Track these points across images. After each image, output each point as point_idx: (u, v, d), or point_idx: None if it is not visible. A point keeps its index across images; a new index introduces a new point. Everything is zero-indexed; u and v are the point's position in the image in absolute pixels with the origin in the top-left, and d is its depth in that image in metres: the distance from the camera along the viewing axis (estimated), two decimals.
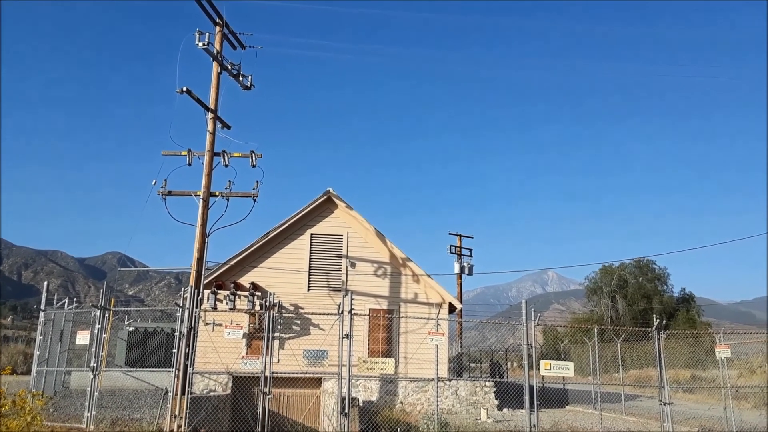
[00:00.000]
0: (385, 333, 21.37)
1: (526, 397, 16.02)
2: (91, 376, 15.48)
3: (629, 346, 32.27)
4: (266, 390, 16.75)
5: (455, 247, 38.03)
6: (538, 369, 17.49)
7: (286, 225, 21.85)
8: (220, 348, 19.41)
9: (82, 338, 17.18)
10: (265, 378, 16.73)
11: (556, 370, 17.66)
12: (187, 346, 16.00)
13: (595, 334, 20.44)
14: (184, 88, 17.09)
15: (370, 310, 21.29)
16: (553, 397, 24.45)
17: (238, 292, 20.78)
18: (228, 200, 18.16)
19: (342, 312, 16.86)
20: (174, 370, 15.88)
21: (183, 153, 18.19)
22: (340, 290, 21.08)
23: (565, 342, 37.39)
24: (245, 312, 20.61)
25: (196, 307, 16.50)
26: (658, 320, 18.65)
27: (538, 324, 17.99)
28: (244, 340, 20.27)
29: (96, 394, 15.49)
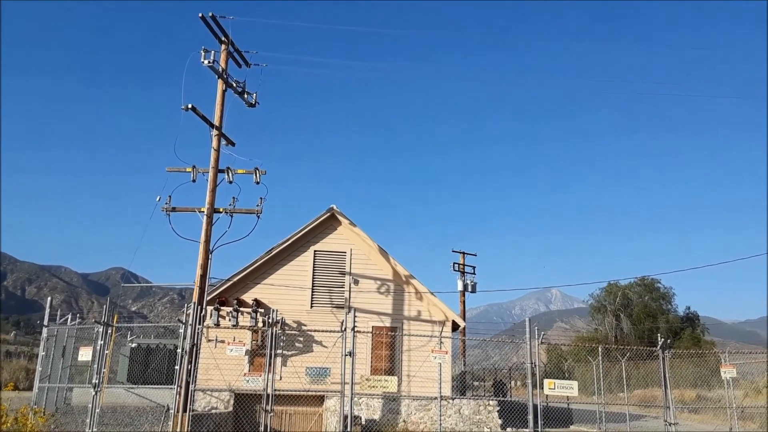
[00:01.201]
0: (388, 351, 21.27)
1: (530, 417, 15.92)
2: (93, 393, 15.43)
3: (634, 365, 32.00)
4: (268, 407, 16.68)
5: (458, 264, 37.93)
6: (542, 388, 17.39)
7: (290, 241, 21.86)
8: (223, 365, 19.34)
9: (85, 354, 17.15)
10: (268, 395, 16.66)
11: (560, 389, 17.56)
12: (190, 362, 15.96)
13: (600, 353, 20.31)
14: (189, 105, 17.24)
15: (373, 327, 21.22)
16: (558, 417, 24.23)
17: (241, 309, 20.74)
18: (232, 217, 18.24)
19: (345, 329, 16.83)
20: (176, 387, 15.84)
21: (187, 169, 18.29)
22: (343, 307, 21.02)
23: (569, 361, 37.16)
24: (248, 329, 20.55)
25: (199, 324, 16.48)
26: (663, 339, 18.55)
27: (541, 342, 17.92)
28: (247, 356, 20.20)
29: (97, 410, 15.44)
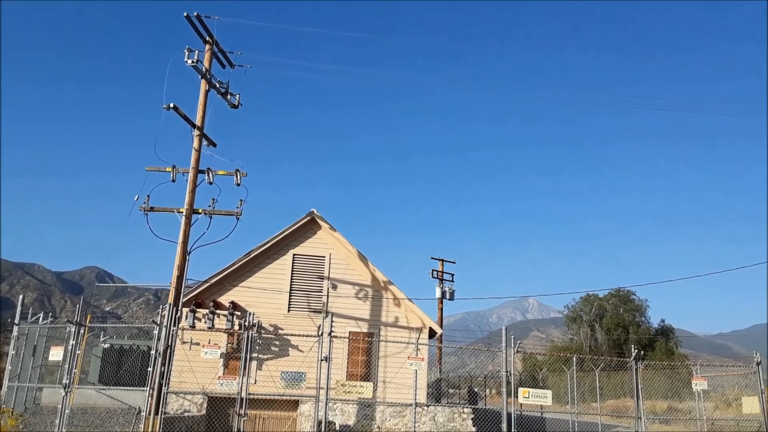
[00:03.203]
0: (365, 356, 21.24)
1: (504, 425, 16.01)
2: (63, 393, 15.19)
3: (607, 375, 32.30)
4: (242, 411, 16.55)
5: (437, 271, 38.07)
6: (517, 396, 17.49)
7: (269, 245, 21.76)
8: (197, 367, 19.16)
9: (56, 354, 16.89)
10: (241, 399, 16.54)
11: (535, 398, 17.69)
12: (163, 364, 15.80)
13: (574, 363, 20.49)
14: (171, 105, 17.14)
15: (350, 332, 21.17)
16: (531, 426, 24.35)
17: (218, 311, 20.59)
18: (211, 218, 18.13)
19: (322, 334, 16.79)
20: (148, 389, 15.66)
21: (167, 169, 18.15)
22: (320, 312, 20.96)
23: (544, 370, 37.39)
24: (224, 331, 20.40)
25: (174, 326, 16.33)
26: (636, 351, 18.77)
27: (517, 351, 18.04)
28: (222, 360, 20.03)
29: (67, 411, 15.21)
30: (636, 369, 18.47)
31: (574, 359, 20.59)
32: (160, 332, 15.95)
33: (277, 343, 20.76)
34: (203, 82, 18.48)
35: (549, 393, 17.68)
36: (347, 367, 20.98)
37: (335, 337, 17.37)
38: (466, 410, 20.31)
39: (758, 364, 19.59)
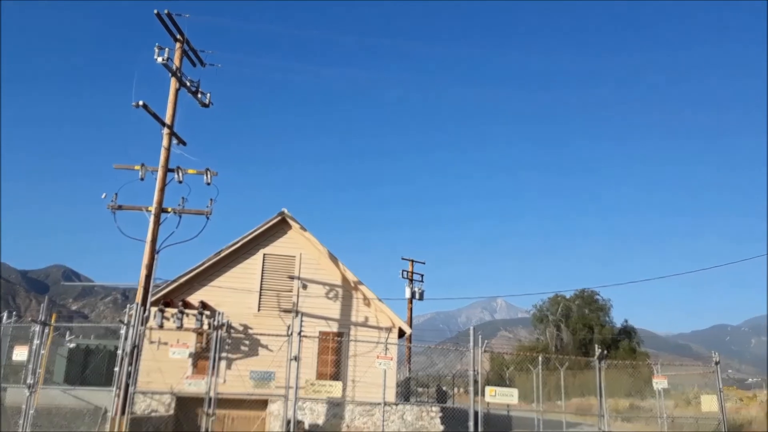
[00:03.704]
0: (335, 356, 21.33)
1: (471, 423, 16.26)
2: (27, 394, 14.97)
3: (572, 374, 32.99)
4: (210, 411, 16.50)
5: (407, 272, 38.32)
6: (484, 395, 17.77)
7: (239, 244, 21.71)
8: (165, 367, 19.03)
9: (20, 354, 16.61)
10: (210, 399, 16.49)
11: (501, 397, 17.98)
12: (130, 364, 15.66)
13: (540, 362, 20.89)
14: (141, 102, 16.98)
15: (320, 332, 21.24)
16: (498, 424, 24.76)
17: (187, 311, 20.46)
18: (180, 217, 18.00)
19: (291, 333, 16.84)
20: (115, 389, 15.52)
21: (136, 167, 17.98)
22: (290, 311, 20.99)
23: (511, 369, 37.90)
24: (193, 331, 20.29)
25: (142, 325, 16.20)
26: (599, 350, 19.22)
27: (485, 351, 18.33)
28: (190, 359, 19.92)
29: (32, 412, 14.99)
30: (599, 368, 18.93)
31: (540, 358, 21.00)
32: (127, 332, 15.80)
33: (247, 342, 20.73)
34: (173, 80, 18.34)
35: (515, 392, 18.00)
36: (317, 367, 21.05)
37: (305, 336, 17.42)
38: (434, 409, 20.55)
39: (717, 363, 20.21)
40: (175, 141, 18.45)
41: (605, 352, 19.60)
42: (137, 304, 16.50)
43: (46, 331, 16.09)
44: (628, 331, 64.32)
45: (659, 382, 20.28)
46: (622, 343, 60.40)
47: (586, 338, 60.01)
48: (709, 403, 20.02)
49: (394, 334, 22.06)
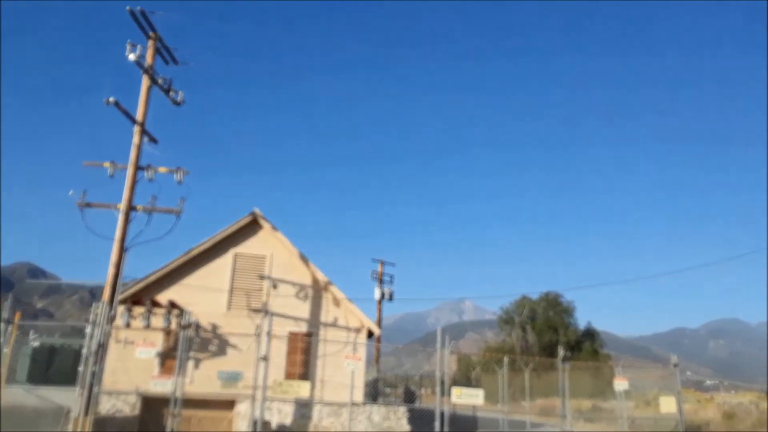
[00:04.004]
0: (304, 356, 21.39)
1: (437, 423, 16.50)
2: None
3: (537, 375, 33.53)
4: (176, 411, 16.45)
5: (377, 273, 38.50)
6: (450, 395, 18.05)
7: (210, 244, 21.62)
8: (131, 367, 18.87)
9: None
10: (176, 399, 16.43)
11: (467, 398, 18.27)
12: (95, 363, 15.53)
13: (505, 364, 21.26)
14: (112, 99, 16.84)
15: (289, 332, 21.28)
16: (463, 424, 25.08)
17: (155, 310, 20.30)
18: (150, 215, 17.86)
19: (260, 333, 16.88)
20: (79, 388, 15.36)
21: (105, 164, 17.81)
22: (260, 311, 20.99)
23: (477, 370, 38.41)
24: (160, 330, 20.15)
25: (108, 324, 16.06)
26: (563, 352, 19.67)
27: (451, 352, 18.63)
28: (157, 359, 19.78)
29: None
30: (562, 369, 19.37)
31: (506, 360, 21.37)
32: (92, 330, 15.66)
33: (216, 342, 20.66)
34: (145, 77, 18.22)
35: (481, 392, 18.30)
36: (286, 367, 21.08)
37: (274, 336, 17.49)
38: (401, 409, 20.76)
39: (675, 366, 20.83)
40: (146, 139, 18.32)
41: (569, 353, 20.07)
42: (103, 302, 16.33)
43: (10, 329, 15.83)
44: (591, 334, 65.51)
45: (620, 384, 20.81)
46: (585, 345, 61.49)
47: (551, 340, 60.96)
48: (667, 405, 20.62)
49: (363, 334, 22.21)
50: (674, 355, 21.30)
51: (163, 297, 20.82)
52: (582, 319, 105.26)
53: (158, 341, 19.88)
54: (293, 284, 22.06)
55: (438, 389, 17.57)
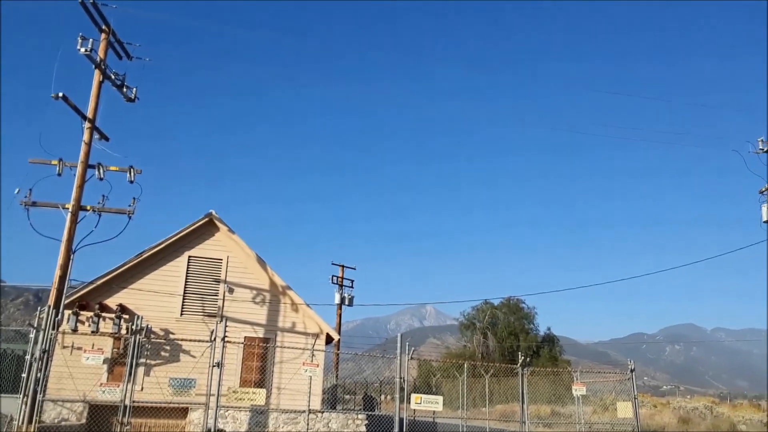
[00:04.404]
0: (260, 362, 20.89)
1: (396, 430, 16.23)
2: None
3: (497, 381, 33.58)
4: (125, 420, 15.82)
5: (337, 277, 38.10)
6: (410, 402, 17.81)
7: (163, 246, 20.94)
8: (78, 373, 18.10)
9: None
10: (125, 407, 15.81)
11: (426, 404, 18.06)
12: (40, 370, 14.84)
13: (465, 370, 21.13)
14: (60, 94, 16.20)
15: (245, 337, 20.76)
16: (423, 430, 24.86)
17: (104, 314, 19.57)
18: (100, 216, 17.22)
19: (215, 339, 16.35)
20: (21, 396, 14.66)
21: (53, 162, 17.09)
22: (215, 316, 20.42)
23: (438, 376, 38.27)
24: (110, 335, 19.40)
25: (53, 329, 15.39)
26: (522, 357, 19.62)
27: (412, 358, 18.38)
28: (105, 365, 19.04)
29: None
30: (522, 375, 19.31)
31: (465, 366, 21.23)
32: (37, 336, 14.99)
33: (168, 348, 19.99)
34: (97, 72, 17.56)
35: (440, 399, 18.12)
36: (241, 373, 20.55)
37: (229, 342, 16.97)
38: (360, 416, 20.43)
39: (632, 371, 20.99)
40: (96, 136, 17.67)
41: (528, 359, 20.04)
42: (49, 306, 15.70)
43: None
44: (551, 339, 66.24)
45: (578, 389, 20.87)
46: (544, 351, 62.12)
47: (511, 346, 61.37)
48: (624, 410, 20.75)
49: (322, 340, 21.82)
50: (631, 360, 21.45)
51: (112, 301, 20.08)
52: (543, 324, 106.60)
53: (107, 347, 19.16)
54: (250, 288, 21.55)
55: (397, 396, 17.31)
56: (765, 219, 20.22)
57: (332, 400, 27.59)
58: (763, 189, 20.66)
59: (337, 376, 31.18)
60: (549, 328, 68.21)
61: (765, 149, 21.06)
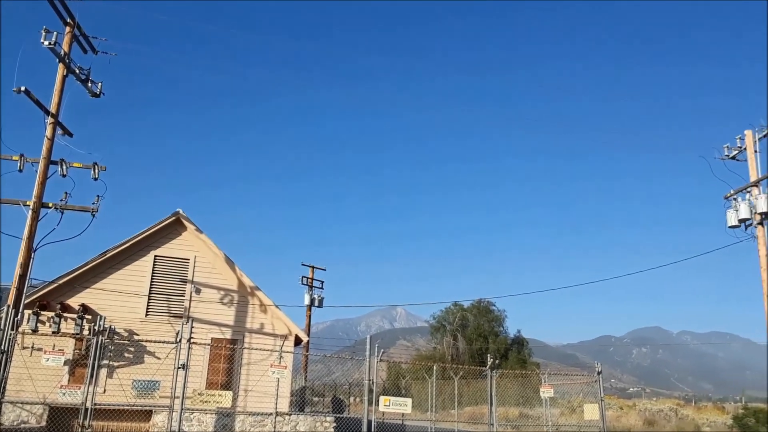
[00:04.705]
0: (227, 364, 20.58)
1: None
2: None
3: (467, 383, 33.66)
4: (86, 423, 15.44)
5: (307, 278, 37.82)
6: (378, 404, 17.72)
7: (128, 245, 20.51)
8: (38, 375, 17.61)
9: None
10: (86, 409, 15.43)
11: (395, 406, 18.00)
12: None
13: (434, 372, 21.10)
14: (23, 88, 15.79)
15: (212, 339, 20.44)
16: None
17: (66, 314, 19.08)
18: (62, 213, 16.80)
19: (180, 340, 16.05)
20: None
21: (14, 158, 16.63)
22: (181, 317, 20.06)
23: (407, 378, 38.25)
24: (71, 336, 18.91)
25: (13, 329, 14.97)
26: (491, 359, 19.66)
27: (381, 360, 18.30)
28: (67, 367, 18.56)
29: None
30: (491, 377, 19.36)
31: (434, 368, 21.21)
32: None
33: (132, 349, 19.57)
34: (61, 66, 17.12)
35: (409, 401, 18.08)
36: (207, 375, 20.22)
37: (195, 343, 16.68)
38: (328, 419, 20.27)
39: (599, 373, 21.20)
40: (60, 131, 17.23)
41: (497, 361, 20.10)
42: (8, 306, 15.29)
43: None
44: (520, 341, 66.79)
45: (546, 392, 21.01)
46: (513, 353, 62.59)
47: (481, 348, 61.70)
48: (591, 412, 20.94)
49: (291, 341, 21.59)
50: (598, 362, 21.67)
51: (75, 301, 19.59)
52: (513, 327, 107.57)
53: (68, 348, 18.70)
54: (218, 289, 21.23)
55: (366, 398, 17.22)
56: (730, 224, 20.57)
57: (300, 402, 27.34)
58: (728, 195, 21.03)
59: (306, 378, 30.93)
60: (519, 331, 68.81)
61: (730, 155, 21.46)
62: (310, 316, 36.54)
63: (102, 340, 16.56)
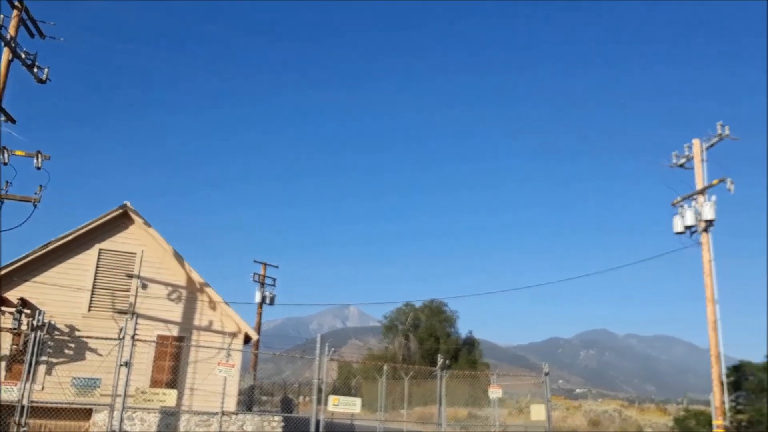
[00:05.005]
0: (173, 361, 20.11)
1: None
2: None
3: (417, 383, 33.80)
4: (23, 421, 14.88)
5: (259, 275, 37.35)
6: (327, 404, 17.61)
7: (72, 237, 19.82)
8: None
9: None
10: (23, 407, 14.85)
11: (344, 406, 17.92)
12: None
13: (384, 372, 21.10)
14: None
15: (158, 336, 19.94)
16: None
17: (3, 308, 18.32)
18: (2, 203, 16.13)
19: (123, 336, 15.59)
20: None
21: None
22: (126, 313, 19.49)
23: (358, 378, 38.17)
24: (8, 331, 18.15)
25: None
26: (442, 360, 19.76)
27: (332, 359, 18.18)
28: (3, 363, 17.82)
29: None
30: (440, 377, 19.46)
31: (384, 368, 21.21)
32: None
33: (73, 345, 18.93)
34: (6, 50, 16.41)
35: (358, 401, 18.03)
36: (152, 373, 19.73)
37: (139, 340, 16.24)
38: (276, 418, 20.03)
39: (546, 374, 21.55)
40: (2, 117, 16.51)
41: (447, 362, 20.22)
42: None
43: None
44: (471, 342, 67.43)
45: (494, 392, 21.24)
46: (464, 354, 63.15)
47: (432, 348, 62.06)
48: (537, 412, 21.27)
49: (240, 339, 21.25)
50: (545, 363, 22.03)
51: (13, 294, 18.83)
52: (464, 328, 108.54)
53: (5, 343, 17.96)
54: (165, 284, 20.74)
55: (314, 397, 17.08)
56: (676, 231, 21.20)
57: (248, 401, 26.95)
58: (675, 201, 21.68)
59: (255, 377, 30.53)
60: (470, 332, 69.39)
61: (678, 163, 22.12)
62: (260, 314, 36.13)
63: (41, 335, 15.95)
